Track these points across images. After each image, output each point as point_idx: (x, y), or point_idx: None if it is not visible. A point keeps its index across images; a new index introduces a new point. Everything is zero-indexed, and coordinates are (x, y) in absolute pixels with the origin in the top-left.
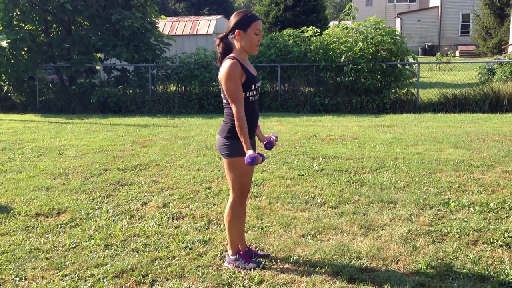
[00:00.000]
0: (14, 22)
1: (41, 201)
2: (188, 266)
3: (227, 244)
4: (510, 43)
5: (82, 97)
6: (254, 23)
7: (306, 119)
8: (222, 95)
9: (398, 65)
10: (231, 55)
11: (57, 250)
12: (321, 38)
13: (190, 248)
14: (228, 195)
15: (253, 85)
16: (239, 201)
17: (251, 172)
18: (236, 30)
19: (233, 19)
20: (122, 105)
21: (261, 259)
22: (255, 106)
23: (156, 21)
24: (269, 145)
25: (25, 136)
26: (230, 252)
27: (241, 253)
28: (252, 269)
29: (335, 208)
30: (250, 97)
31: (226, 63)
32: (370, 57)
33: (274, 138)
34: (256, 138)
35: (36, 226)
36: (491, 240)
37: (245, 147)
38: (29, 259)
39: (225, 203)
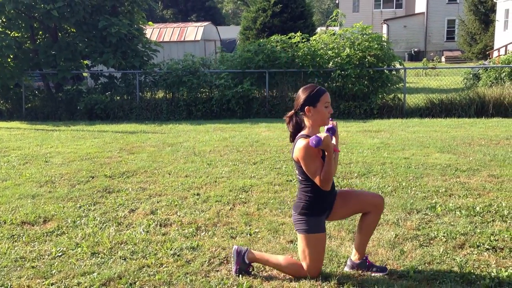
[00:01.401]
0: (0, 29)
1: (27, 209)
2: (176, 273)
3: (215, 250)
4: (495, 48)
5: (69, 104)
6: (323, 97)
7: None
8: (297, 171)
9: (385, 70)
10: (303, 133)
11: (43, 258)
12: (309, 44)
13: (178, 255)
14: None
15: None
16: (307, 274)
17: (324, 249)
18: (306, 107)
19: (301, 95)
20: (110, 112)
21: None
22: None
23: (144, 27)
24: (332, 131)
25: (10, 143)
26: (249, 255)
27: (247, 263)
28: (240, 276)
29: None
30: None
31: (301, 143)
32: (357, 62)
33: (333, 121)
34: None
35: (21, 234)
36: (477, 243)
37: (327, 156)
38: (14, 268)
39: (214, 210)
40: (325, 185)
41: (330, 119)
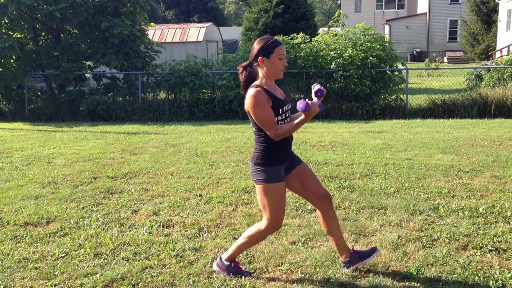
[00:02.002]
0: (3, 30)
1: (30, 210)
2: (178, 274)
3: (218, 251)
4: (497, 49)
5: (71, 105)
6: (277, 49)
7: None
8: (251, 123)
9: (387, 71)
10: (254, 83)
11: (46, 259)
12: (311, 45)
13: (181, 256)
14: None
15: (280, 109)
16: (271, 228)
17: (284, 198)
18: (260, 57)
19: (256, 45)
20: (112, 113)
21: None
22: None
23: (146, 28)
24: (320, 92)
25: (13, 144)
26: (224, 256)
27: (237, 262)
28: (243, 277)
29: None
30: (279, 121)
31: (250, 92)
32: (359, 63)
33: (319, 86)
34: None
35: (24, 235)
36: (480, 245)
37: (300, 122)
38: (17, 269)
39: (216, 211)
40: (276, 138)
41: (316, 83)
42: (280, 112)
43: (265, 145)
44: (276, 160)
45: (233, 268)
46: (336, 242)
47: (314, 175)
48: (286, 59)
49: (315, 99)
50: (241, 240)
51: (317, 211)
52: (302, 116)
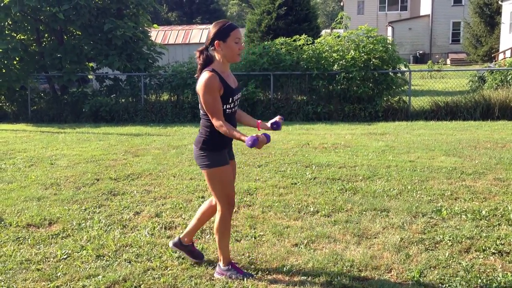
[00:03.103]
0: (6, 32)
1: (32, 211)
2: (180, 276)
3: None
4: (500, 51)
5: (74, 107)
6: (233, 32)
7: (299, 127)
8: (199, 105)
9: (390, 73)
10: (209, 67)
11: (49, 261)
12: (313, 46)
13: (183, 258)
14: None
15: (230, 98)
16: (228, 211)
17: (233, 180)
18: (216, 41)
19: (212, 29)
20: (115, 114)
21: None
22: (232, 119)
23: (149, 30)
24: (276, 125)
25: (16, 146)
26: (221, 263)
27: (233, 263)
28: (245, 279)
29: (328, 216)
30: (227, 110)
31: (204, 75)
32: (362, 65)
33: (280, 117)
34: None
35: (27, 237)
36: (483, 247)
37: (242, 138)
38: (20, 270)
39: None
40: (217, 128)
41: (279, 116)
42: (230, 101)
43: (210, 130)
44: (219, 145)
45: (233, 270)
46: (193, 227)
47: (235, 176)
48: (289, 60)
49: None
50: (216, 237)
51: (207, 202)
52: (243, 139)
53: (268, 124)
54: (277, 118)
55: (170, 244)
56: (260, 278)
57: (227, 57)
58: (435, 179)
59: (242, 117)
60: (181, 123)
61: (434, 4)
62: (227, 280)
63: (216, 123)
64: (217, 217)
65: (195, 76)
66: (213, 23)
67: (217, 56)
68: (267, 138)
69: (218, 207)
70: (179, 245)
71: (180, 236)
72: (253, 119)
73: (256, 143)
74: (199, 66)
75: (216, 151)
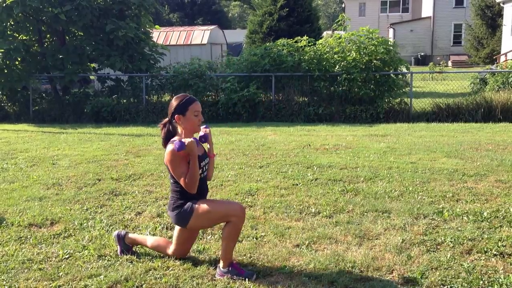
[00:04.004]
0: (8, 32)
1: (34, 211)
2: (182, 276)
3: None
4: (502, 53)
5: (75, 107)
6: (191, 106)
7: (300, 128)
8: (169, 175)
9: (391, 75)
10: (173, 138)
11: (50, 260)
12: (315, 48)
13: (185, 258)
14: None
15: (199, 165)
16: (238, 220)
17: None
18: (176, 115)
19: (173, 103)
20: (116, 115)
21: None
22: (202, 183)
23: (150, 31)
24: (204, 138)
25: (18, 146)
26: (221, 264)
27: (234, 264)
28: (246, 279)
29: (330, 217)
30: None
31: (169, 148)
32: (363, 66)
33: (206, 129)
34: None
35: (29, 236)
36: (485, 249)
37: (194, 160)
38: (22, 270)
39: None
40: (190, 188)
41: (205, 126)
42: (199, 167)
43: (178, 190)
44: (189, 198)
45: (234, 271)
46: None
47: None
48: (290, 62)
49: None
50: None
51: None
52: (190, 157)
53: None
54: (201, 132)
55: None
56: (261, 278)
57: (188, 129)
58: (436, 181)
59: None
60: None
61: (436, 6)
62: (228, 281)
63: (184, 183)
64: (229, 225)
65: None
66: (175, 97)
67: (179, 129)
68: (197, 142)
69: (230, 219)
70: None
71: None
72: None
73: (183, 147)
74: (162, 139)
75: (186, 202)
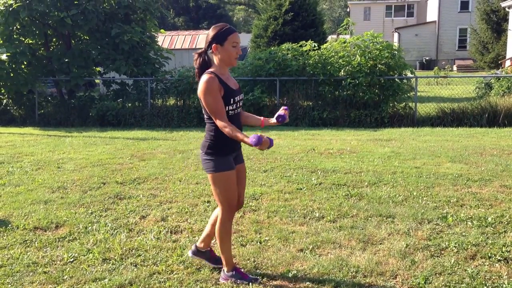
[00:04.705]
0: (14, 36)
1: (39, 214)
2: (186, 280)
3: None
4: (507, 57)
5: (81, 111)
6: (231, 36)
7: (304, 132)
8: (203, 110)
9: (396, 79)
10: (209, 70)
11: (55, 264)
12: (320, 52)
13: (189, 262)
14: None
15: (232, 99)
16: (227, 217)
17: (236, 186)
18: (213, 45)
19: (210, 33)
20: (121, 119)
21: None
22: (235, 120)
23: (156, 35)
24: (282, 118)
25: (23, 149)
26: (225, 268)
27: (238, 268)
28: (250, 284)
29: (334, 222)
30: (230, 111)
31: (203, 78)
32: (368, 71)
33: (284, 108)
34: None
35: (34, 240)
36: (489, 254)
37: (245, 139)
38: (27, 273)
39: None
40: (222, 129)
41: (285, 107)
42: (232, 102)
43: (215, 134)
44: (225, 150)
45: (237, 275)
46: (208, 233)
47: (245, 180)
48: (295, 66)
49: (274, 120)
50: (218, 242)
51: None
52: (247, 140)
53: (273, 119)
54: (281, 111)
55: (190, 254)
56: (265, 283)
57: (224, 61)
58: (441, 186)
59: (247, 118)
60: (187, 128)
61: (441, 11)
62: (232, 285)
63: (219, 123)
64: (217, 221)
65: (196, 80)
66: (212, 26)
67: (215, 60)
68: (270, 142)
69: (219, 211)
70: (197, 252)
71: (197, 244)
72: (257, 118)
73: (260, 141)
74: (196, 70)
75: (221, 155)
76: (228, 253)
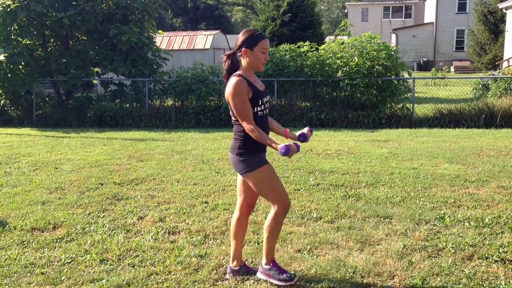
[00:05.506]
0: (12, 37)
1: (37, 215)
2: (184, 281)
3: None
4: (504, 59)
5: (79, 111)
6: (261, 42)
7: None
8: (230, 112)
9: (394, 80)
10: (237, 72)
11: (53, 265)
12: (317, 53)
13: (187, 263)
14: (224, 209)
15: (260, 100)
16: (283, 211)
17: (277, 177)
18: (243, 48)
19: (241, 37)
20: (119, 119)
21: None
22: (264, 121)
23: (154, 36)
24: (303, 137)
25: (21, 150)
26: (263, 261)
27: (275, 262)
28: (283, 281)
29: (331, 223)
30: (259, 112)
31: (232, 80)
32: (365, 72)
33: (309, 129)
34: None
35: (31, 240)
36: (486, 255)
37: (273, 145)
38: (24, 274)
39: (222, 218)
40: (249, 132)
41: (310, 127)
42: (260, 103)
43: (244, 134)
44: (255, 149)
45: (275, 269)
46: (235, 247)
47: None
48: (293, 67)
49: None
50: (265, 235)
51: (236, 212)
52: (275, 146)
53: (296, 134)
54: (305, 130)
55: (228, 276)
56: (262, 283)
57: (252, 65)
58: (438, 187)
59: (271, 124)
60: (185, 129)
61: (439, 12)
62: (230, 285)
63: (247, 126)
64: (270, 214)
65: (224, 80)
66: (243, 30)
67: (243, 62)
68: (298, 148)
69: (273, 207)
70: (236, 272)
71: (230, 265)
72: (281, 128)
73: (289, 151)
74: (225, 72)
75: (253, 153)
76: (272, 247)
